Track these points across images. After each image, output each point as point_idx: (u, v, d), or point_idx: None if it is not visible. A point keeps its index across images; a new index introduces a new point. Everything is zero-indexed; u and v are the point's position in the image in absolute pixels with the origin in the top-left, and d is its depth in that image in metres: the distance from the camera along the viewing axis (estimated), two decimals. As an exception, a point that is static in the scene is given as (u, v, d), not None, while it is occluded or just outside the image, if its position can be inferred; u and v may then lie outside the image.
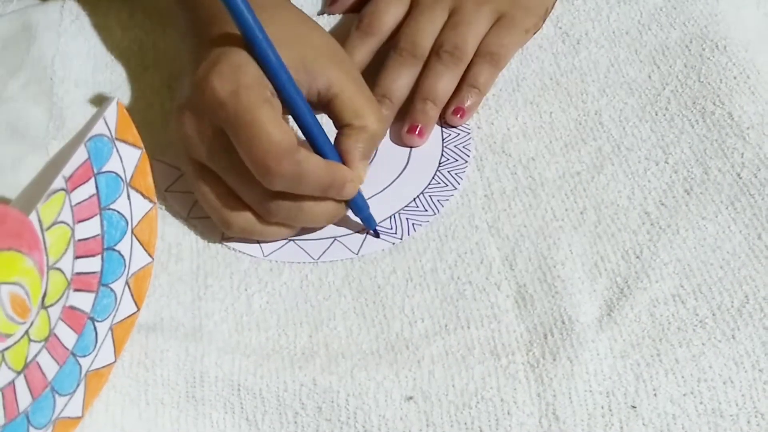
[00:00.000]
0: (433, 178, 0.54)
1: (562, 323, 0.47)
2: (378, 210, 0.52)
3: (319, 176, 0.48)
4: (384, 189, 0.54)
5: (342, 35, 0.58)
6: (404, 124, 0.56)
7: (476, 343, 0.47)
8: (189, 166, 0.51)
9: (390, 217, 0.52)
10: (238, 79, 0.47)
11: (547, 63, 0.59)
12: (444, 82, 0.56)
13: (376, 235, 0.52)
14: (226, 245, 0.52)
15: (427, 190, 0.53)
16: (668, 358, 0.45)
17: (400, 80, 0.57)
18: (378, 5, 0.59)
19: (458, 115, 0.56)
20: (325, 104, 0.51)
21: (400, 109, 0.57)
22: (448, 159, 0.55)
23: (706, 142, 0.54)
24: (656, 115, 0.56)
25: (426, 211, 0.52)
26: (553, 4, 0.61)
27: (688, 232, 0.50)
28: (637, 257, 0.49)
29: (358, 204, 0.51)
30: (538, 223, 0.51)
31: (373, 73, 0.57)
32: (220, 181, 0.50)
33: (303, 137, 0.51)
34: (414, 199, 0.53)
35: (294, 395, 0.45)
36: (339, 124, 0.51)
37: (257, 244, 0.51)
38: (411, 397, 0.45)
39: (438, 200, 0.53)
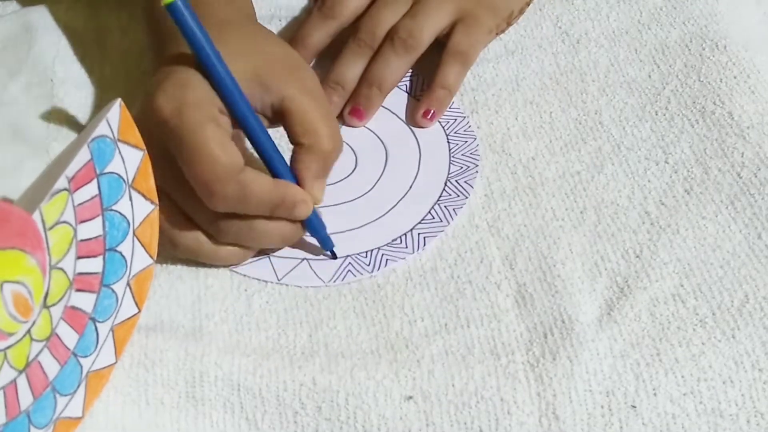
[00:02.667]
0: (444, 189, 0.53)
1: (562, 322, 0.47)
2: (390, 227, 0.51)
3: (266, 197, 0.47)
4: (396, 204, 0.53)
5: (338, 41, 0.58)
6: (346, 107, 0.56)
7: (476, 343, 0.47)
8: None
9: (402, 236, 0.51)
10: (183, 96, 0.46)
11: (547, 63, 0.59)
12: (392, 69, 0.56)
13: (334, 256, 0.50)
14: (234, 271, 0.50)
15: (439, 201, 0.53)
16: (668, 357, 0.45)
17: (355, 69, 0.56)
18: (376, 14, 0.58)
19: (428, 117, 0.56)
20: (280, 118, 0.49)
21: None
22: (459, 168, 0.54)
23: (706, 141, 0.54)
24: (656, 114, 0.56)
25: (441, 221, 0.51)
26: (521, 9, 0.60)
27: (688, 231, 0.50)
28: (637, 257, 0.49)
29: (312, 224, 0.50)
30: (538, 222, 0.51)
31: (330, 58, 0.57)
32: (169, 200, 0.48)
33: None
34: (428, 212, 0.52)
35: (294, 395, 0.45)
36: (292, 141, 0.49)
37: (271, 268, 0.50)
38: (411, 397, 0.45)
39: (453, 209, 0.52)
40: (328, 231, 0.51)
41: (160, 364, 0.46)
